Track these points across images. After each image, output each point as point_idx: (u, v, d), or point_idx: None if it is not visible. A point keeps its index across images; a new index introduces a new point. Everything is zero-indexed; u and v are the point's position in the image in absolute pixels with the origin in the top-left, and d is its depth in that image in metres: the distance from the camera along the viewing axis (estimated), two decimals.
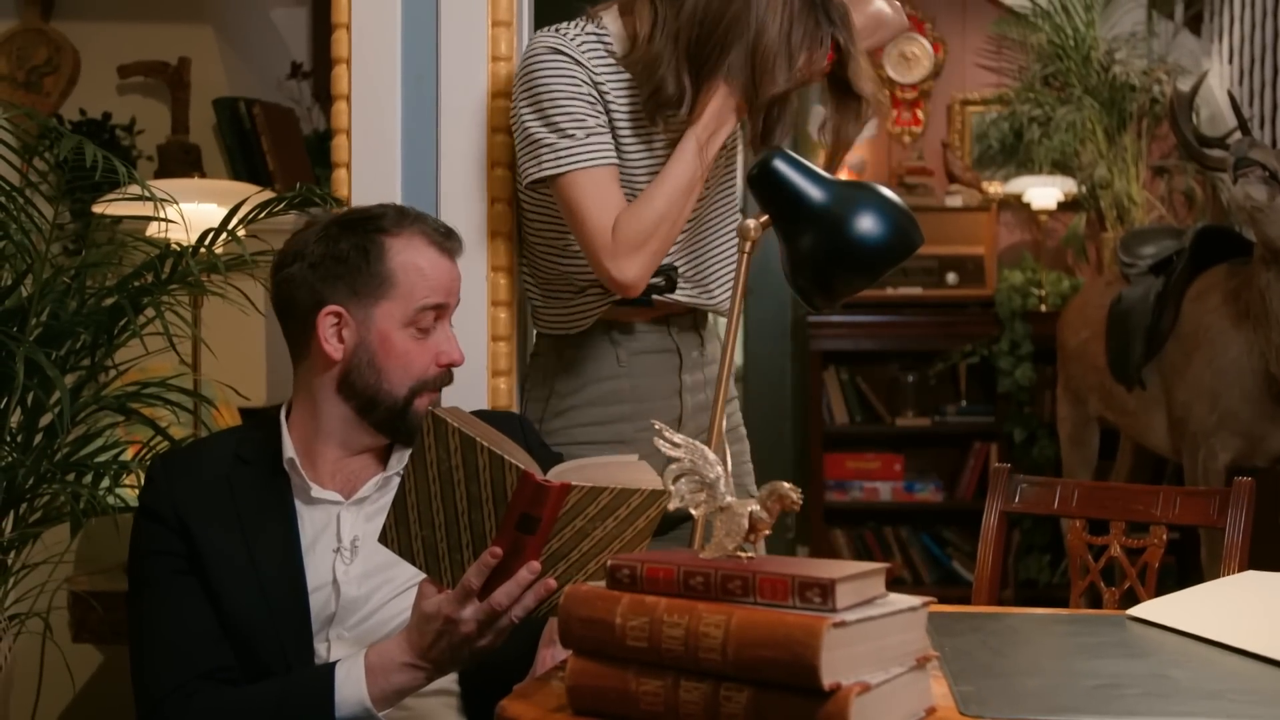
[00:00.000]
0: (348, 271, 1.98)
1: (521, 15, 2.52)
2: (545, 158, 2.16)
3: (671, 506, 1.53)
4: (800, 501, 1.47)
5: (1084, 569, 2.50)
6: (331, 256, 1.99)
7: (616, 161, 2.18)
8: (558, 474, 1.69)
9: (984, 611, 2.01)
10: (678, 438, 1.54)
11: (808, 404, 6.05)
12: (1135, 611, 1.86)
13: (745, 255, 1.71)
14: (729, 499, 1.50)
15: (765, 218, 1.74)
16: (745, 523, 1.48)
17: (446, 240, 2.04)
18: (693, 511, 1.52)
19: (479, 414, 2.19)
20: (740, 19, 2.05)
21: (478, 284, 2.38)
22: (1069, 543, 2.53)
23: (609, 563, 1.47)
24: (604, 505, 1.69)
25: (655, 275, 2.18)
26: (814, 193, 1.71)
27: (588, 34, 2.20)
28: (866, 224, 1.70)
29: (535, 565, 1.70)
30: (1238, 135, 3.96)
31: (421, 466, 1.72)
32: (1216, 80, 5.60)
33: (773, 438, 6.43)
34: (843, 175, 6.15)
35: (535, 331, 2.43)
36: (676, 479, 1.53)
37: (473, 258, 2.32)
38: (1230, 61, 5.68)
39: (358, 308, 1.99)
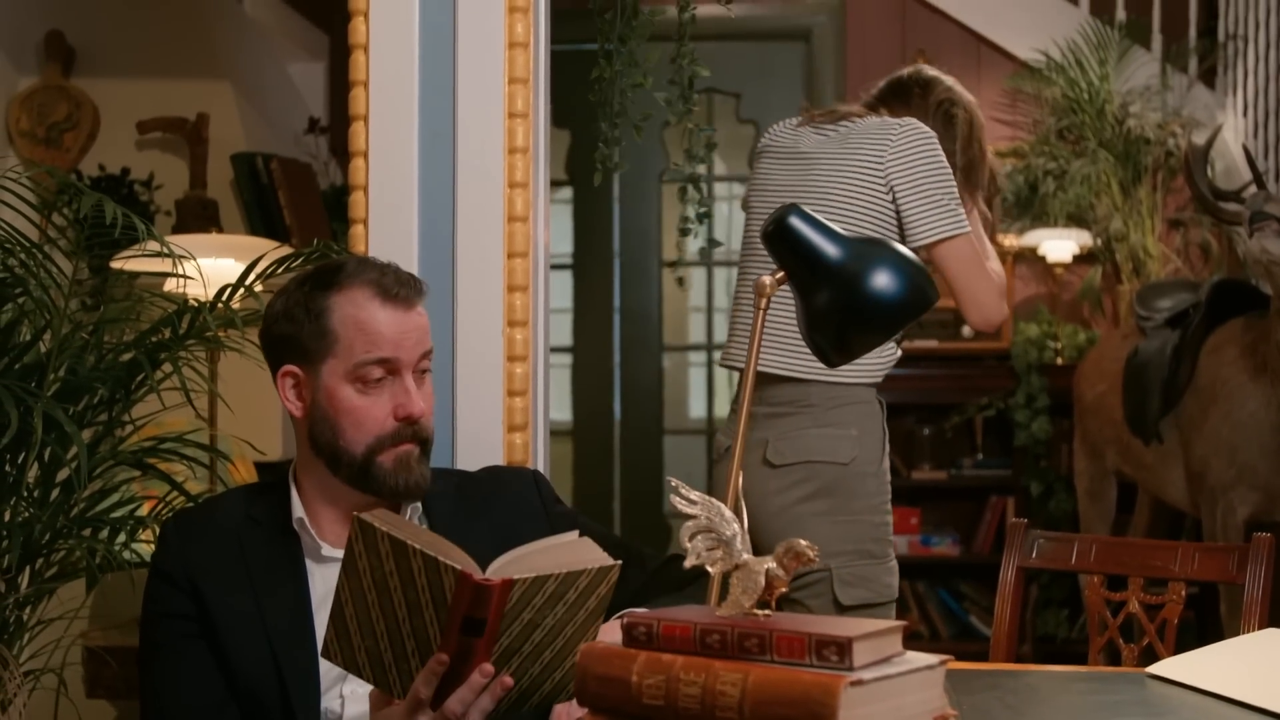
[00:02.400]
0: (297, 330, 1.98)
1: (538, 73, 2.54)
2: (953, 221, 2.71)
3: (688, 564, 1.52)
4: (817, 559, 1.47)
5: (1102, 625, 2.49)
6: (285, 316, 1.99)
7: None
8: (498, 568, 1.62)
9: (1002, 669, 2.01)
10: (694, 495, 1.53)
11: None
12: (1155, 669, 1.85)
13: (760, 311, 1.71)
14: (745, 556, 1.50)
15: (781, 274, 1.74)
16: (762, 580, 1.47)
17: (398, 289, 1.98)
18: (709, 569, 1.52)
19: (490, 470, 2.20)
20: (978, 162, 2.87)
21: (494, 307, 2.41)
22: (1087, 599, 2.52)
23: (624, 621, 1.47)
24: (551, 592, 1.63)
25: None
26: (829, 249, 1.71)
27: None
28: (882, 280, 1.70)
29: (488, 668, 1.64)
30: (1253, 189, 3.97)
31: (355, 575, 1.65)
32: (1231, 134, 5.61)
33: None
34: None
35: (825, 380, 2.72)
36: (693, 536, 1.53)
37: (490, 307, 2.33)
38: (1245, 115, 5.70)
39: (309, 367, 1.98)
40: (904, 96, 2.91)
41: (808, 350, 2.56)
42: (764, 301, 1.72)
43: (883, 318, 1.72)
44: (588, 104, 6.67)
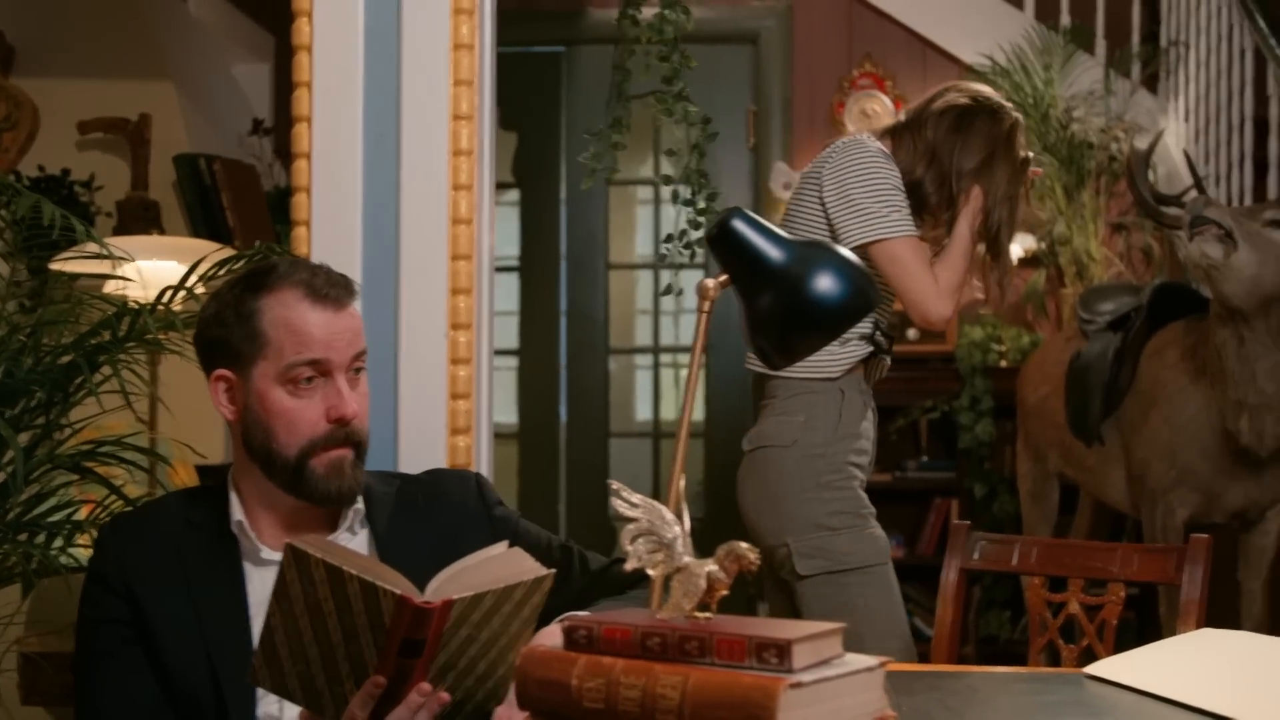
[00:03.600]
0: (228, 334, 1.97)
1: (484, 75, 2.54)
2: (882, 225, 2.84)
3: (629, 567, 1.52)
4: (758, 562, 1.47)
5: (1043, 626, 2.52)
6: (216, 320, 1.99)
7: None
8: (436, 589, 1.61)
9: (943, 670, 2.02)
10: (635, 498, 1.54)
11: None
12: (1093, 669, 1.87)
13: (704, 314, 1.72)
14: (686, 559, 1.50)
15: (725, 277, 1.74)
16: (703, 583, 1.48)
17: (328, 289, 1.97)
18: (650, 572, 1.52)
19: (432, 473, 2.20)
20: (987, 167, 2.94)
21: (437, 310, 2.39)
22: (1028, 600, 2.54)
23: (565, 624, 1.47)
24: (488, 608, 1.63)
25: (888, 339, 2.97)
26: (772, 252, 1.72)
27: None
28: (825, 284, 1.71)
29: (425, 687, 1.63)
30: (1193, 193, 4.01)
31: (287, 601, 1.63)
32: (1173, 138, 5.67)
33: (735, 493, 6.43)
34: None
35: (785, 376, 2.91)
36: (634, 539, 1.53)
37: (433, 310, 2.32)
38: (1186, 120, 5.76)
39: (241, 370, 1.97)
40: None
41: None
42: (707, 304, 1.72)
43: (825, 320, 1.73)
44: (537, 107, 6.68)
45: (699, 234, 3.65)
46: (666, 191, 7.03)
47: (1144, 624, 5.56)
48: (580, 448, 6.52)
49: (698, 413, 6.65)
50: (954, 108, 2.96)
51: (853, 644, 2.54)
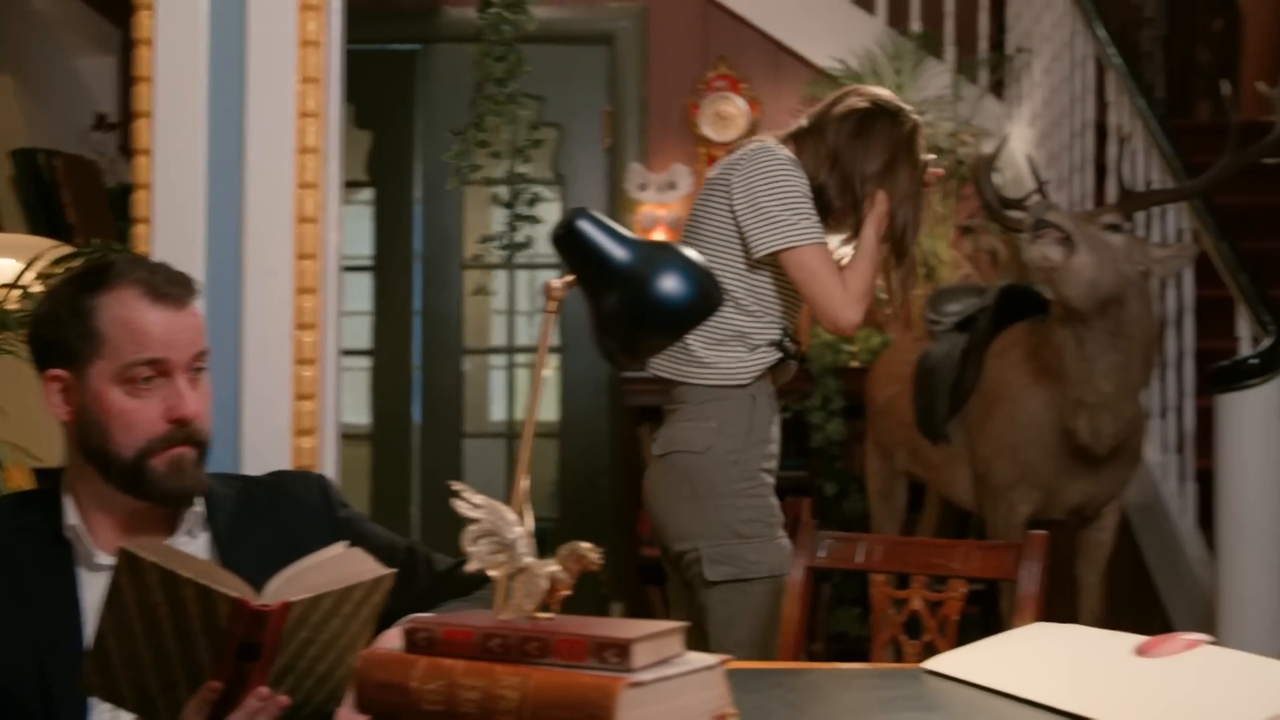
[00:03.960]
0: (63, 333, 1.93)
1: (331, 72, 2.51)
2: (790, 232, 2.88)
3: (470, 568, 1.52)
4: (600, 562, 1.48)
5: (887, 622, 2.56)
6: (50, 318, 1.94)
7: None
8: (275, 591, 1.59)
9: (786, 668, 2.05)
10: (477, 498, 1.54)
11: (623, 459, 6.08)
12: (930, 664, 1.91)
13: (549, 314, 1.72)
14: (528, 560, 1.50)
15: (571, 277, 1.75)
16: (544, 584, 1.48)
17: (168, 288, 1.94)
18: (492, 573, 1.52)
19: (276, 475, 2.17)
20: (890, 170, 2.98)
21: (282, 309, 2.36)
22: (872, 597, 2.59)
23: (406, 627, 1.46)
24: (328, 609, 1.61)
25: (796, 345, 3.02)
26: (618, 252, 1.73)
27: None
28: (669, 284, 1.73)
29: (264, 691, 1.60)
30: (1036, 197, 4.10)
31: (119, 607, 1.59)
32: (1018, 143, 5.80)
33: (590, 493, 6.45)
34: (658, 233, 6.18)
35: (695, 383, 2.98)
36: (475, 540, 1.53)
37: (278, 309, 2.29)
38: (1031, 125, 5.90)
39: (76, 369, 1.93)
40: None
41: (683, 355, 2.98)
42: (552, 304, 1.73)
43: (669, 320, 1.75)
44: (392, 105, 6.62)
45: (519, 236, 3.65)
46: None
47: (989, 619, 5.68)
48: (434, 449, 6.48)
49: (552, 413, 6.65)
50: (855, 112, 3.00)
51: (756, 651, 2.60)
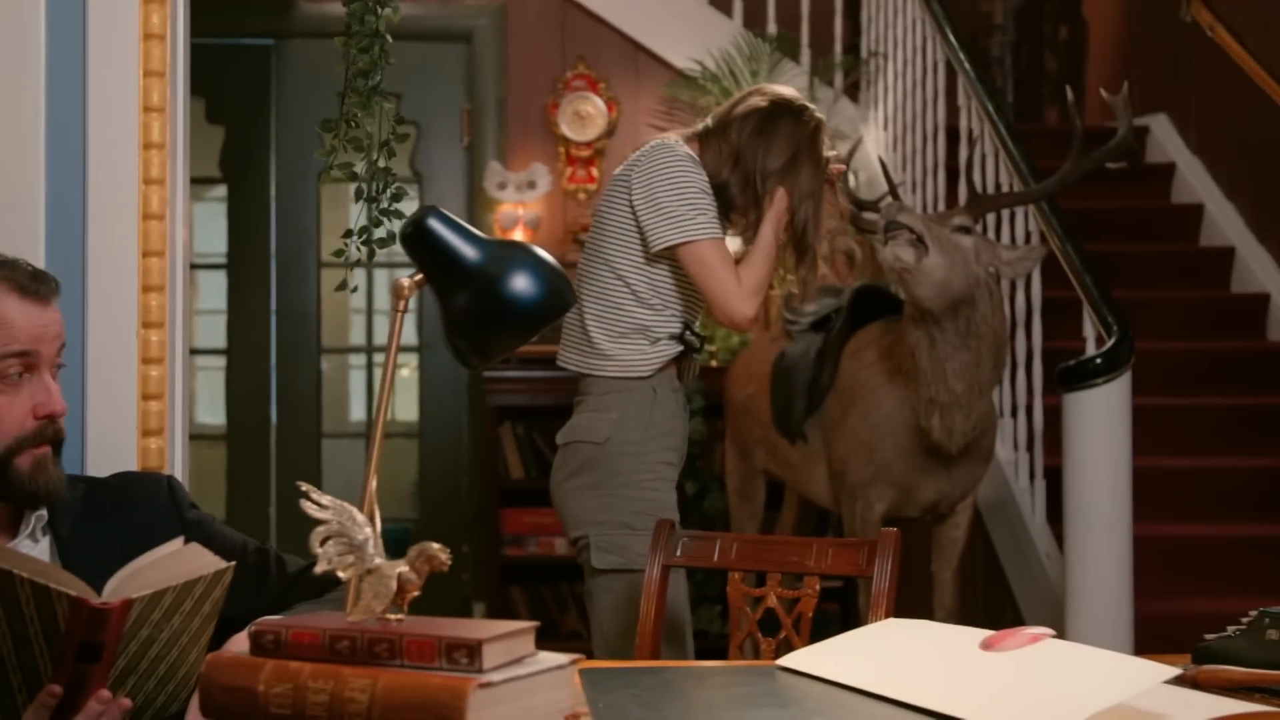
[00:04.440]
0: None
1: (176, 66, 2.46)
2: (687, 227, 2.94)
3: (319, 569, 1.50)
4: (449, 563, 1.47)
5: (743, 620, 2.58)
6: None
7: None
8: (114, 589, 1.56)
9: (640, 666, 2.05)
10: (325, 499, 1.52)
11: (485, 459, 6.05)
12: (784, 661, 1.93)
13: (399, 313, 1.70)
14: (377, 561, 1.49)
15: (420, 275, 1.74)
16: (394, 584, 1.47)
17: (34, 284, 1.92)
18: (340, 574, 1.50)
19: (121, 476, 2.12)
20: (791, 167, 3.04)
21: (127, 308, 2.33)
22: (729, 594, 2.60)
23: (252, 630, 1.44)
24: (168, 605, 1.59)
25: (699, 338, 3.08)
26: (468, 251, 1.72)
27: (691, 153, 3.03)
28: (520, 283, 1.72)
29: (105, 694, 1.57)
30: (889, 199, 4.16)
31: None
32: (872, 145, 5.88)
33: (451, 493, 6.41)
34: (518, 232, 6.15)
35: (598, 375, 3.04)
36: (324, 541, 1.51)
37: (124, 308, 2.24)
38: (885, 128, 5.98)
39: None
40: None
41: (587, 347, 3.06)
42: (402, 304, 1.71)
43: (520, 320, 1.74)
44: (246, 100, 6.52)
45: (380, 232, 3.62)
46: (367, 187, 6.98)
47: (848, 615, 5.76)
48: (292, 450, 6.39)
49: (412, 413, 6.60)
50: (757, 110, 3.06)
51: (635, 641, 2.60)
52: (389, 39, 3.37)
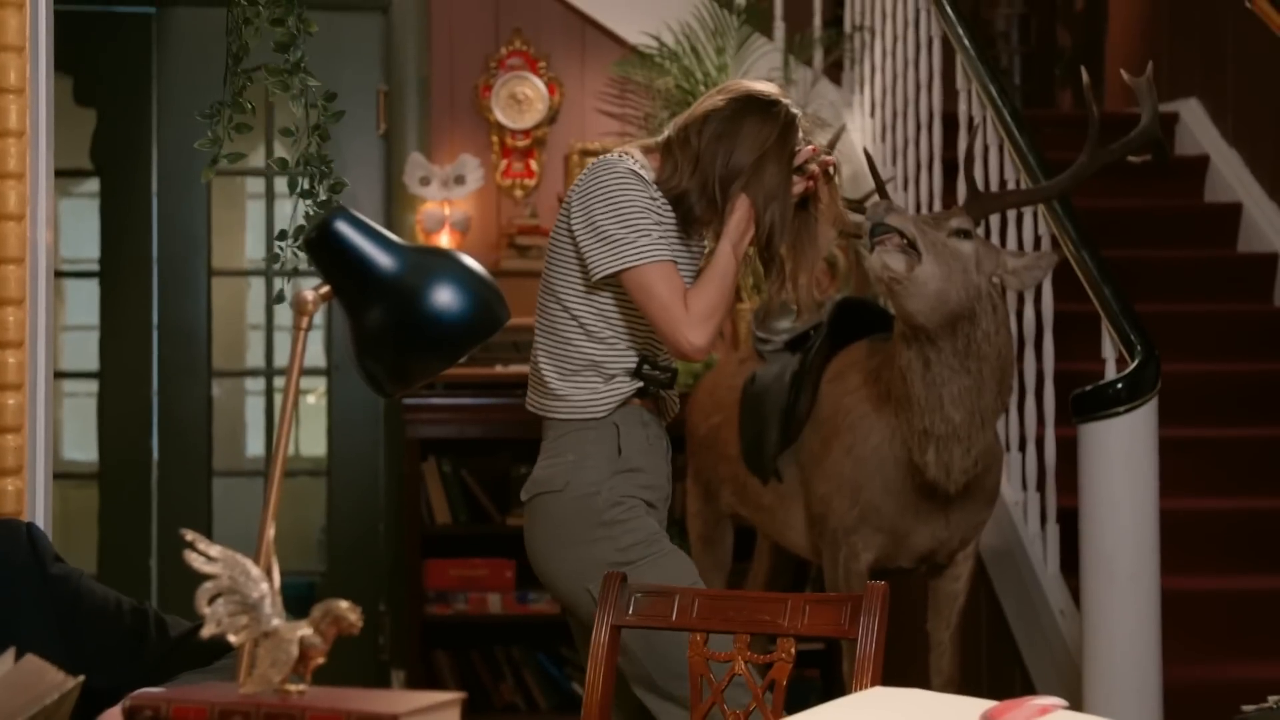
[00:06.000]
0: None
1: (38, 39, 2.46)
2: (627, 252, 3.02)
3: (206, 633, 1.50)
4: (360, 624, 1.47)
5: (707, 689, 2.58)
6: None
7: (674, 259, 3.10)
8: None
9: None
10: (214, 549, 1.51)
11: (405, 501, 6.04)
12: None
13: (301, 331, 1.70)
14: (275, 623, 1.49)
15: (326, 288, 1.74)
16: (294, 650, 1.46)
17: None
18: (232, 638, 1.50)
19: None
20: (756, 169, 3.10)
21: None
22: (690, 660, 2.60)
23: (127, 705, 1.43)
24: None
25: (665, 373, 3.18)
26: (382, 260, 1.72)
27: (640, 165, 3.10)
28: (444, 297, 1.72)
29: None
30: (876, 198, 4.17)
31: None
32: (858, 134, 5.92)
33: (364, 542, 6.39)
34: (444, 235, 6.15)
35: (553, 417, 3.16)
36: (213, 599, 1.50)
37: None
38: (873, 115, 6.01)
39: None
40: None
41: (540, 388, 3.16)
42: (305, 320, 1.71)
43: (444, 340, 1.74)
44: (122, 79, 6.50)
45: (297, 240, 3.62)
46: (282, 184, 6.95)
47: (830, 683, 5.77)
48: (177, 490, 6.36)
49: (318, 447, 6.58)
50: (718, 111, 3.14)
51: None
52: (301, 7, 3.37)
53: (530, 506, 3.20)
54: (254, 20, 3.60)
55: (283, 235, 3.95)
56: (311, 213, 3.93)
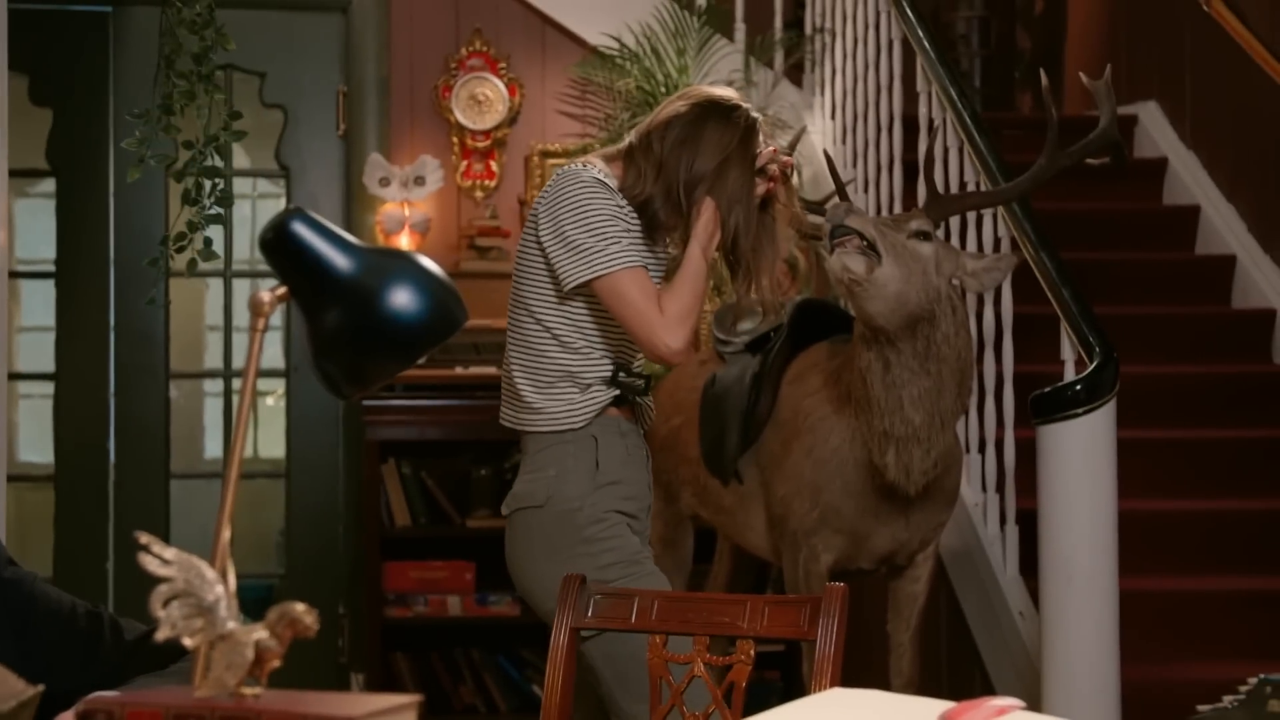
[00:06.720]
0: None
1: None
2: (597, 260, 3.06)
3: (161, 636, 1.49)
4: (316, 626, 1.46)
5: (666, 691, 2.58)
6: None
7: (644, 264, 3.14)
8: None
9: None
10: (169, 552, 1.51)
11: (364, 503, 6.02)
12: None
13: (257, 332, 1.70)
14: (230, 626, 1.48)
15: (283, 289, 1.73)
16: (250, 653, 1.46)
17: None
18: (187, 642, 1.49)
19: None
20: (719, 174, 3.15)
21: None
22: (649, 662, 2.60)
23: (81, 709, 1.42)
24: None
25: (640, 379, 3.24)
26: (339, 260, 1.72)
27: (604, 174, 3.15)
28: (401, 299, 1.72)
29: None
30: (836, 200, 4.19)
31: None
32: (819, 136, 5.93)
33: (323, 544, 6.37)
34: (404, 236, 6.15)
35: (532, 431, 3.19)
36: (167, 602, 1.50)
37: None
38: (833, 117, 6.03)
39: None
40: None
41: (516, 401, 3.22)
42: (261, 322, 1.71)
43: (402, 341, 1.74)
44: (79, 77, 6.47)
45: (199, 241, 3.62)
46: (246, 184, 6.94)
47: (789, 684, 5.78)
48: (134, 493, 6.33)
49: (277, 449, 6.56)
50: (680, 117, 3.20)
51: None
52: (218, 19, 3.36)
53: (511, 521, 3.25)
54: (181, 25, 3.61)
55: (164, 240, 3.97)
56: (190, 221, 3.95)
